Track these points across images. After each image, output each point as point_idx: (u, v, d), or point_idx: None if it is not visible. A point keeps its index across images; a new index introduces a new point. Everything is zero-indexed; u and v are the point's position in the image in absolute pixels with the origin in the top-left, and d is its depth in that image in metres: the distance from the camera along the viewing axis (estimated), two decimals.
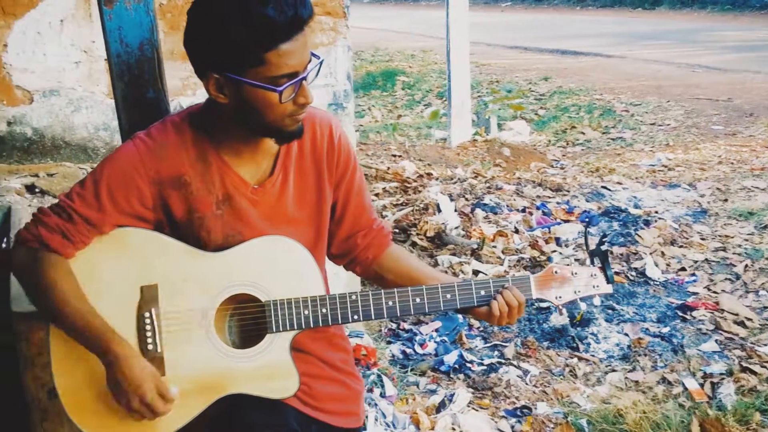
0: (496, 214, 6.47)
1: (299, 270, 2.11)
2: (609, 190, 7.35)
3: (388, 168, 7.90)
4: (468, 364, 4.36)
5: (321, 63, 2.01)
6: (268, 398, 2.07)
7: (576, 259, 5.68)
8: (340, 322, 2.11)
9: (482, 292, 2.15)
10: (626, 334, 4.65)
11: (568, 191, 7.13)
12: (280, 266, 2.10)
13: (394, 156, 8.68)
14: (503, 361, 4.43)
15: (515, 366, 4.36)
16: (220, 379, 2.06)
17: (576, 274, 2.18)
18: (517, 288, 2.15)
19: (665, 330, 4.67)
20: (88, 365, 2.01)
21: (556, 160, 8.92)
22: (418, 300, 2.13)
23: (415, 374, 4.28)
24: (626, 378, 4.18)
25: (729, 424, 3.39)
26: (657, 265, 5.57)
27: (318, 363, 2.25)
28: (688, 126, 9.85)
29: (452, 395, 3.99)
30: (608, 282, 2.17)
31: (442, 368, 4.29)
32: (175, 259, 2.07)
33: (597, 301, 2.17)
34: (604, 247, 2.17)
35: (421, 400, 3.97)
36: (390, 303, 2.12)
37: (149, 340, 2.03)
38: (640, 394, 3.95)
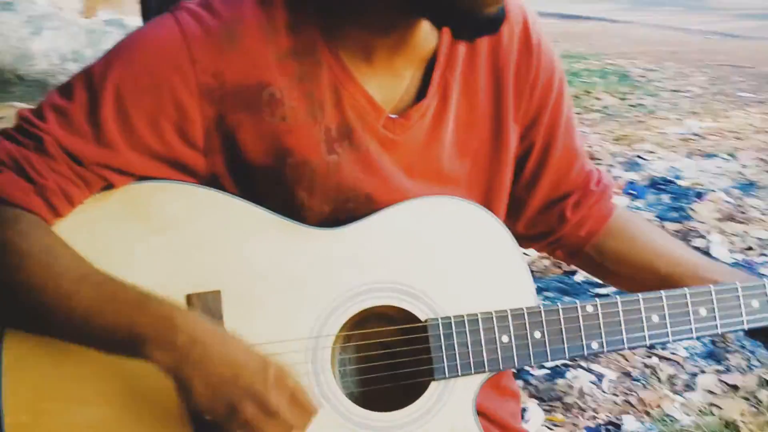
0: None
1: (492, 262, 1.21)
2: (644, 159, 6.68)
3: None
4: (526, 368, 3.61)
5: None
6: None
7: None
8: (566, 356, 1.14)
9: None
10: None
11: (601, 160, 6.42)
12: (457, 255, 1.20)
13: None
14: (568, 362, 3.76)
15: (584, 369, 3.63)
16: None
17: None
18: None
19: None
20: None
21: None
22: (703, 312, 1.14)
23: None
24: (720, 381, 3.54)
25: None
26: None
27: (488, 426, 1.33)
28: (714, 93, 9.29)
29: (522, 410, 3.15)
30: None
31: None
32: (253, 241, 1.16)
33: None
34: None
35: None
36: (655, 318, 1.18)
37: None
38: (743, 401, 3.31)
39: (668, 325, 1.20)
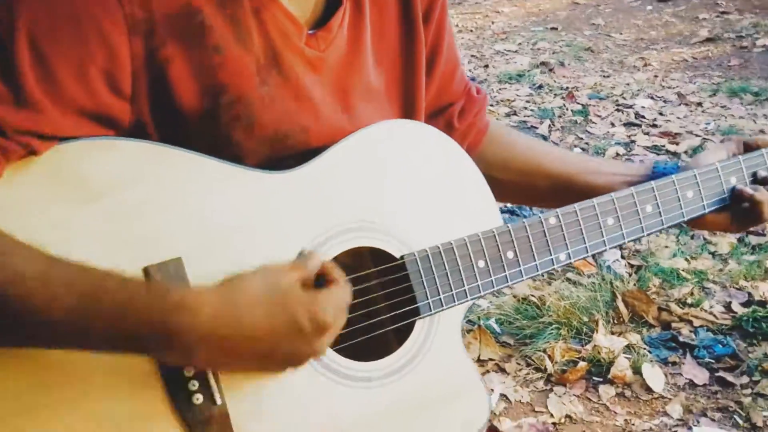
0: None
1: (455, 186, 1.15)
2: None
3: None
4: None
5: None
6: None
7: None
8: (538, 270, 1.13)
9: (732, 180, 1.31)
10: None
11: None
12: (420, 183, 1.13)
13: None
14: None
15: None
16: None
17: None
18: None
19: None
20: None
21: None
22: (649, 209, 1.23)
23: None
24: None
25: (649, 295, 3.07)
26: None
27: None
28: None
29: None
30: None
31: None
32: (206, 195, 1.01)
33: None
34: None
35: None
36: (610, 221, 1.22)
37: (192, 385, 0.97)
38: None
39: (622, 227, 1.21)
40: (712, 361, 2.70)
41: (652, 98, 5.31)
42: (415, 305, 1.08)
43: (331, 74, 1.12)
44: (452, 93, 1.32)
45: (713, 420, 2.46)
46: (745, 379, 2.60)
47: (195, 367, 0.95)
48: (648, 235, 1.24)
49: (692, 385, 2.62)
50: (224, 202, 1.00)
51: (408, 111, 1.21)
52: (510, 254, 1.13)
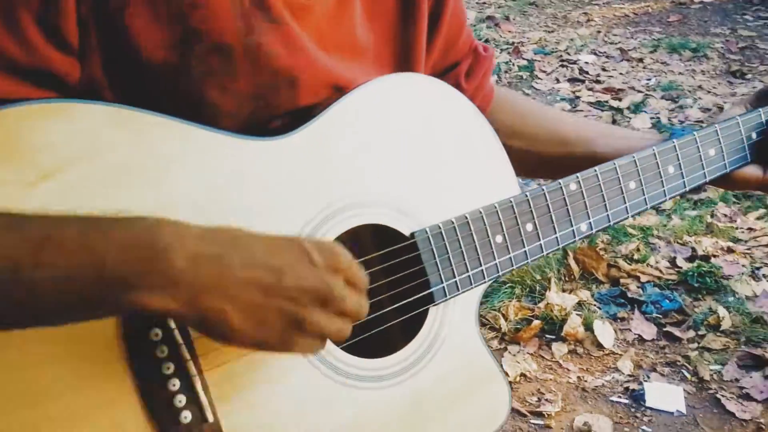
0: None
1: (468, 149, 1.00)
2: None
3: None
4: None
5: None
6: None
7: None
8: (558, 244, 1.01)
9: (753, 136, 1.18)
10: None
11: None
12: (431, 148, 0.98)
13: None
14: None
15: None
16: None
17: None
18: None
19: None
20: None
21: None
22: (671, 170, 1.11)
23: None
24: None
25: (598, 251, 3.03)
26: None
27: None
28: None
29: None
30: None
31: None
32: (189, 171, 0.84)
33: None
34: None
35: None
36: (632, 185, 1.06)
37: (179, 401, 0.81)
38: None
39: (644, 191, 1.09)
40: (660, 316, 2.69)
41: (595, 54, 5.25)
42: (429, 290, 0.93)
43: (316, 26, 0.95)
44: (459, 50, 1.16)
45: (662, 375, 2.45)
46: (691, 334, 2.60)
47: (177, 313, 0.73)
48: (669, 199, 1.11)
49: (641, 340, 2.62)
50: (208, 177, 0.82)
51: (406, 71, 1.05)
52: (529, 226, 0.99)
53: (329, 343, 0.86)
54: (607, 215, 1.05)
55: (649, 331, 2.64)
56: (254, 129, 0.89)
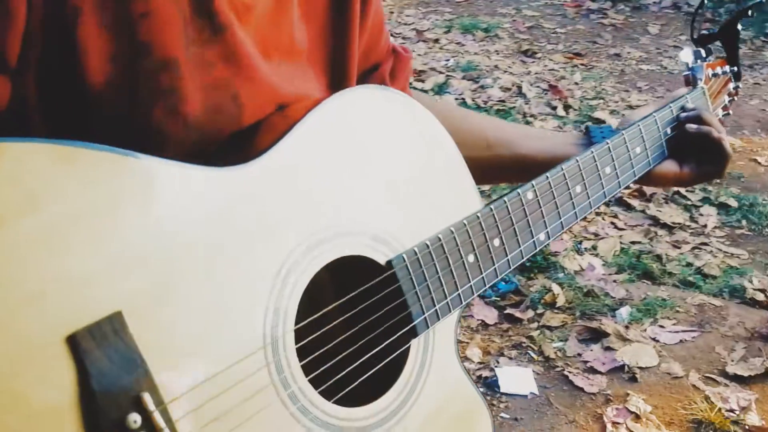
0: None
1: (430, 164, 0.92)
2: None
3: None
4: None
5: None
6: None
7: None
8: (522, 257, 0.96)
9: (668, 131, 1.20)
10: None
11: None
12: (394, 166, 0.88)
13: None
14: None
15: None
16: None
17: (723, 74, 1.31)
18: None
19: None
20: None
21: None
22: (608, 170, 1.09)
23: None
24: None
25: None
26: None
27: None
28: None
29: None
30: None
31: None
32: (138, 212, 0.68)
33: None
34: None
35: None
36: (578, 188, 1.04)
37: None
38: None
39: (588, 195, 1.05)
40: (498, 299, 2.75)
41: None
42: (412, 324, 0.84)
43: (257, 27, 0.83)
44: (381, 51, 1.06)
45: (511, 358, 2.50)
46: (530, 313, 2.69)
47: None
48: (608, 199, 1.09)
49: (485, 325, 2.66)
50: (156, 221, 0.67)
51: (337, 77, 0.95)
52: (496, 242, 0.92)
53: (313, 392, 0.75)
54: (561, 222, 1.01)
55: (490, 315, 2.69)
56: (196, 157, 0.75)
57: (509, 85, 4.49)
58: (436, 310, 0.85)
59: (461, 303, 0.88)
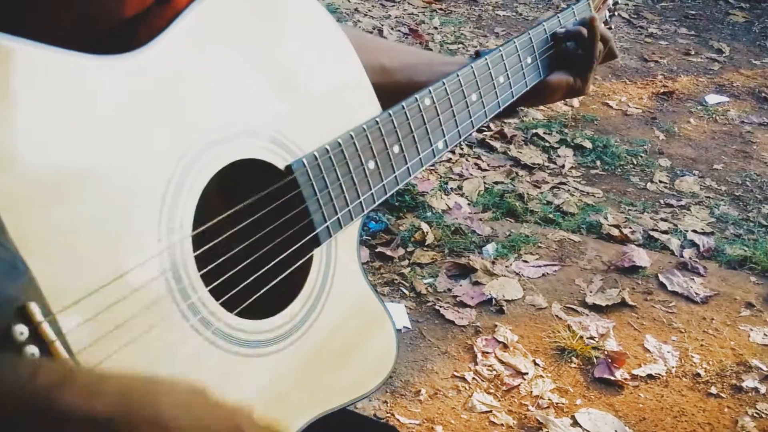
0: None
1: (325, 62, 0.86)
2: None
3: None
4: None
5: None
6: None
7: None
8: (422, 165, 0.91)
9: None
10: None
11: None
12: (289, 64, 0.81)
13: None
14: None
15: None
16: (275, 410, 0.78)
17: None
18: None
19: None
20: None
21: None
22: (501, 80, 1.07)
23: None
24: None
25: None
26: None
27: None
28: None
29: None
30: None
31: None
32: (9, 104, 0.59)
33: None
34: None
35: None
36: (474, 96, 1.02)
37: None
38: None
39: (483, 103, 1.02)
40: (369, 238, 2.75)
41: None
42: (315, 232, 0.78)
43: None
44: None
45: (384, 295, 2.51)
46: (401, 251, 2.70)
47: None
48: (501, 110, 1.07)
49: None
50: (47, 112, 0.59)
51: None
52: (396, 148, 0.88)
53: (215, 304, 0.70)
54: (458, 131, 0.98)
55: (363, 254, 2.66)
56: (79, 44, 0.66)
57: (370, 29, 4.44)
58: (338, 218, 0.80)
59: (363, 211, 0.84)
